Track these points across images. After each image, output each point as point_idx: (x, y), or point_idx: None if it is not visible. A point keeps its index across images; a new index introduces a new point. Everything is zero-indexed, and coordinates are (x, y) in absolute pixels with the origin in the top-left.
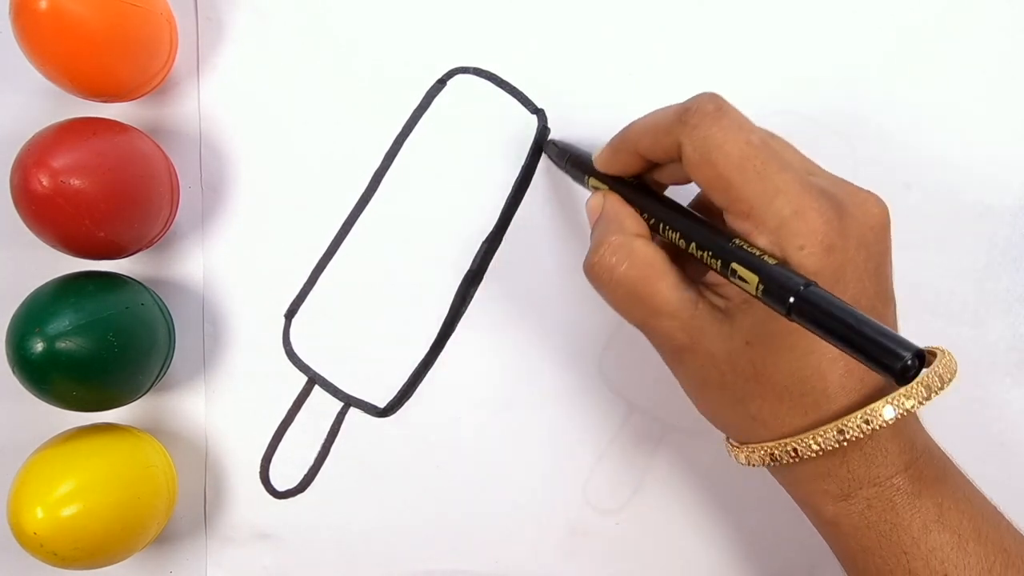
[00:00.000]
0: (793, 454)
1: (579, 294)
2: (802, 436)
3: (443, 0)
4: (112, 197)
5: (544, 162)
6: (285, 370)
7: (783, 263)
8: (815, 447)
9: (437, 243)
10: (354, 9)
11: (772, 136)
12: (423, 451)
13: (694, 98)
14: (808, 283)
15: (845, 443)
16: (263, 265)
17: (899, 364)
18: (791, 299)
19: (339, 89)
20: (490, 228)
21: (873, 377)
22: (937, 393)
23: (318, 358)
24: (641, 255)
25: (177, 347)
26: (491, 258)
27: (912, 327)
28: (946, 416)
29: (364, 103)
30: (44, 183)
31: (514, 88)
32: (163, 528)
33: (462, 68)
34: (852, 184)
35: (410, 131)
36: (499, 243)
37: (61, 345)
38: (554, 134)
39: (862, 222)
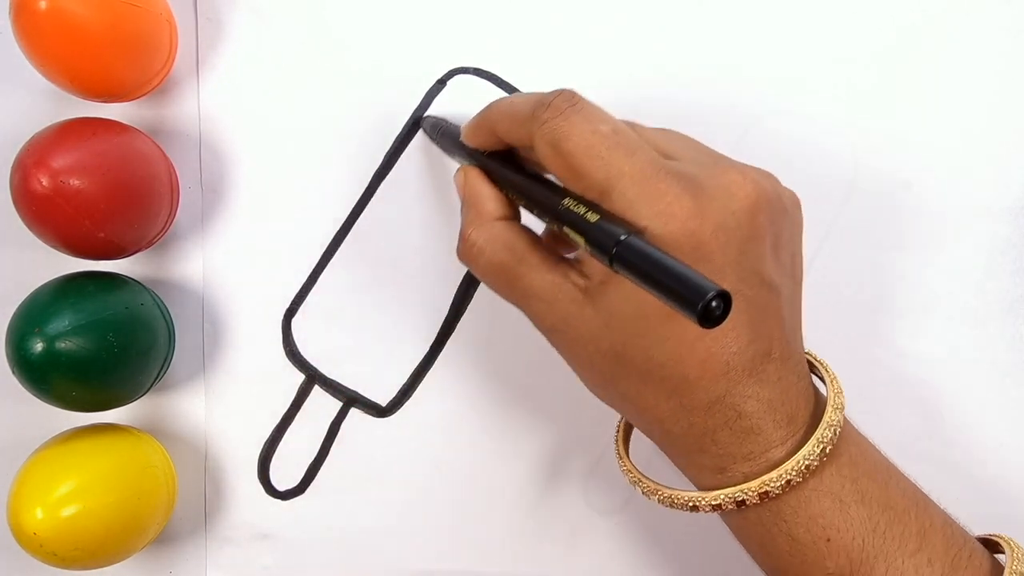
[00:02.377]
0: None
1: None
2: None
3: (443, 0)
4: (112, 197)
5: None
6: (285, 370)
7: (608, 218)
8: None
9: (437, 243)
10: (354, 9)
11: (631, 126)
12: (423, 451)
13: (550, 93)
14: (629, 233)
15: (715, 428)
16: (263, 265)
17: (700, 303)
18: (613, 250)
19: (339, 89)
20: None
21: (740, 360)
22: (830, 433)
23: (318, 358)
24: (501, 239)
25: (177, 347)
26: None
27: (912, 327)
28: (946, 417)
29: (364, 103)
30: (44, 183)
31: (514, 88)
32: (163, 528)
33: (462, 68)
34: (726, 166)
35: (410, 131)
36: None
37: (61, 345)
38: None
39: (722, 205)
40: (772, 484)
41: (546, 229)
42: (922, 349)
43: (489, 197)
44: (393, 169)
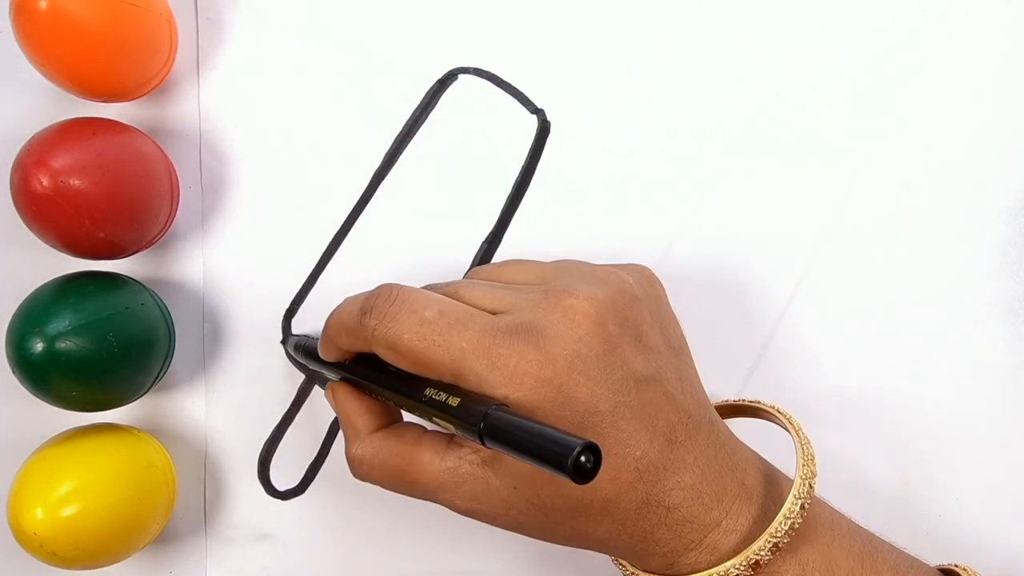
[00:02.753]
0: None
1: None
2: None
3: (443, 0)
4: (112, 197)
5: (544, 161)
6: (285, 370)
7: (468, 398)
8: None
9: (437, 243)
10: (354, 9)
11: (454, 302)
12: None
13: (370, 295)
14: (489, 411)
15: (651, 529)
16: (263, 265)
17: (569, 462)
18: (481, 429)
19: (339, 89)
20: (490, 228)
21: (647, 461)
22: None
23: None
24: (385, 450)
25: (177, 347)
26: (491, 258)
27: (912, 328)
28: (947, 418)
29: (364, 103)
30: (44, 183)
31: (514, 88)
32: (163, 528)
33: (462, 68)
34: (557, 294)
35: (410, 131)
36: (499, 243)
37: (61, 345)
38: (552, 138)
39: (566, 337)
40: (739, 569)
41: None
42: (922, 349)
43: (360, 412)
44: (393, 169)
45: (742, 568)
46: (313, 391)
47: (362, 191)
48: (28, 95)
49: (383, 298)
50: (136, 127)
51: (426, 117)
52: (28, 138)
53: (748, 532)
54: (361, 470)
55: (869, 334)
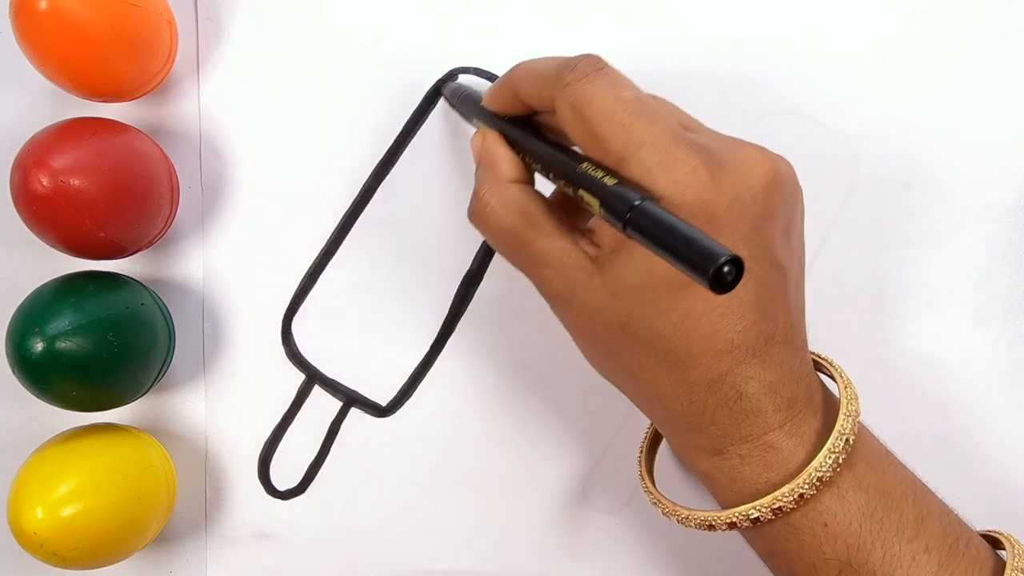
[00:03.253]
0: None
1: None
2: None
3: (443, 0)
4: (112, 197)
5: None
6: (285, 370)
7: (624, 183)
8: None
9: (437, 243)
10: (354, 9)
11: (653, 97)
12: (423, 451)
13: (576, 57)
14: (644, 198)
15: (715, 407)
16: (263, 265)
17: (712, 268)
18: (627, 215)
19: (339, 89)
20: None
21: (745, 339)
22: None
23: (318, 358)
24: (516, 203)
25: (177, 347)
26: (491, 258)
27: (912, 327)
28: (947, 416)
29: (364, 103)
30: (44, 183)
31: None
32: (163, 528)
33: (462, 68)
34: (743, 143)
35: (410, 131)
36: None
37: (61, 345)
38: None
39: (739, 179)
40: (784, 499)
41: (556, 193)
42: (922, 349)
43: (506, 159)
44: (394, 168)
45: (806, 488)
46: (313, 391)
47: (362, 191)
48: (28, 95)
49: (588, 61)
50: (136, 127)
51: (426, 117)
52: (28, 138)
53: (809, 441)
54: (483, 213)
55: (869, 334)
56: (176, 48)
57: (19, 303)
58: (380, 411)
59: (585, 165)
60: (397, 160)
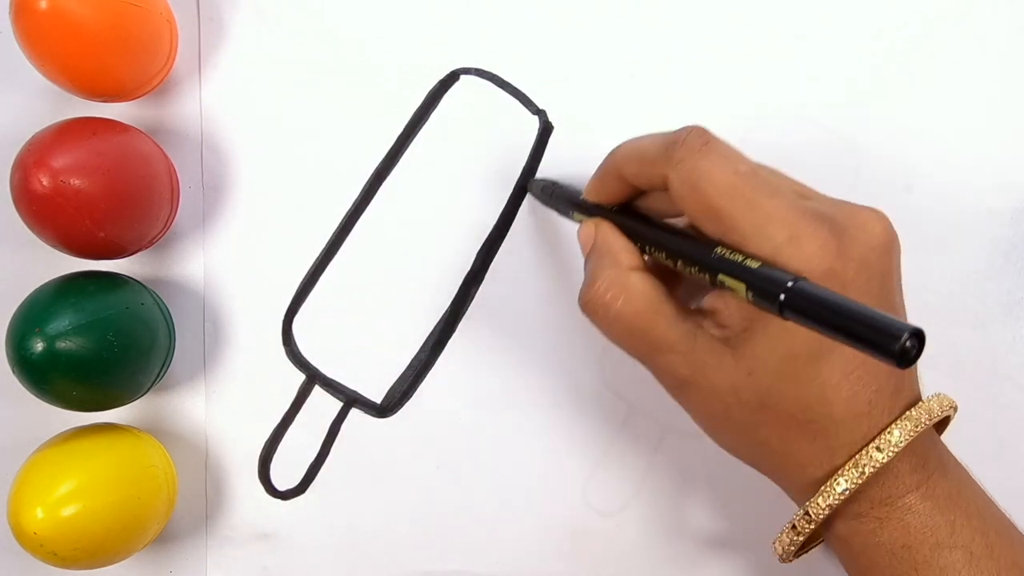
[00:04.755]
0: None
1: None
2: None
3: (445, 0)
4: (112, 197)
5: (546, 162)
6: (285, 370)
7: (768, 264)
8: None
9: (437, 243)
10: (356, 9)
11: (762, 166)
12: (423, 451)
13: (681, 131)
14: (796, 279)
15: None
16: (263, 265)
17: (896, 345)
18: (781, 296)
19: (340, 89)
20: (491, 228)
21: (881, 399)
22: (941, 414)
23: (318, 358)
24: (637, 290)
25: (177, 347)
26: (491, 258)
27: None
28: None
29: (365, 103)
30: (44, 183)
31: (516, 89)
32: (163, 528)
33: (464, 69)
34: (852, 204)
35: (411, 131)
36: (500, 243)
37: (61, 345)
38: (554, 139)
39: (863, 243)
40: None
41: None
42: (923, 352)
43: (624, 248)
44: (394, 169)
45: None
46: (313, 391)
47: (363, 191)
48: (28, 95)
49: (695, 134)
50: (136, 127)
51: (427, 117)
52: (28, 138)
53: (946, 507)
54: (603, 303)
55: None
56: (176, 48)
57: (19, 303)
58: (380, 411)
59: (720, 249)
60: (398, 160)
